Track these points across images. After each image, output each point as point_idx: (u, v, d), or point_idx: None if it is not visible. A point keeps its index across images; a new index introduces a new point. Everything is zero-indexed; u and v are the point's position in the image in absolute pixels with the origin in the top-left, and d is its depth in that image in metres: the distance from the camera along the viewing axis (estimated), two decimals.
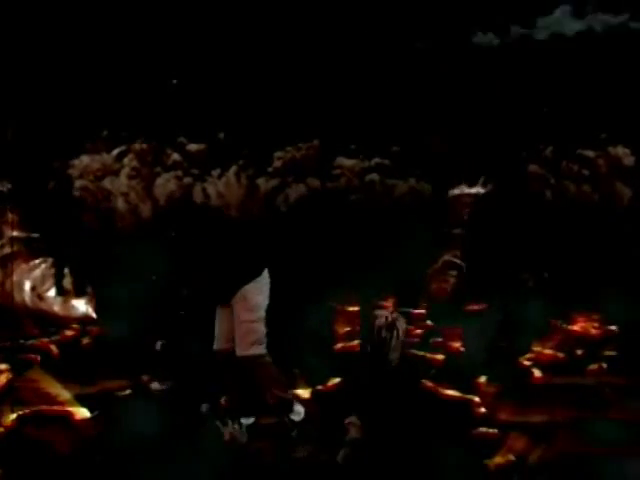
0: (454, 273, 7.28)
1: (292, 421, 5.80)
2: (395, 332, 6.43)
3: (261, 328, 5.64)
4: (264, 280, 5.73)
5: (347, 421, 5.83)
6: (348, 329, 7.15)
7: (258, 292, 5.68)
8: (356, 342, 6.98)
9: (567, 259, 7.25)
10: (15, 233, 7.07)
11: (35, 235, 7.18)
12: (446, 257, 7.31)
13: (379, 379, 6.31)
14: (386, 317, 6.47)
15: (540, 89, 7.79)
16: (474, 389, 6.50)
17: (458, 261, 7.38)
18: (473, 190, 7.59)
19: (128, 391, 6.30)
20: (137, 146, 7.74)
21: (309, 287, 7.16)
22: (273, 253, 5.96)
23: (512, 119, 7.71)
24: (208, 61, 7.80)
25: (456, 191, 7.61)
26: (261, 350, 5.64)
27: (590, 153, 7.83)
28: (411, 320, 7.10)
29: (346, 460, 5.53)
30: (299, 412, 5.84)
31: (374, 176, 7.78)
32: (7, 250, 7.08)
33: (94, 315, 7.04)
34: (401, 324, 6.51)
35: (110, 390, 6.32)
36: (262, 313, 5.67)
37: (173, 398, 6.07)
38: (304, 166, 7.84)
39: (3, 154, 7.36)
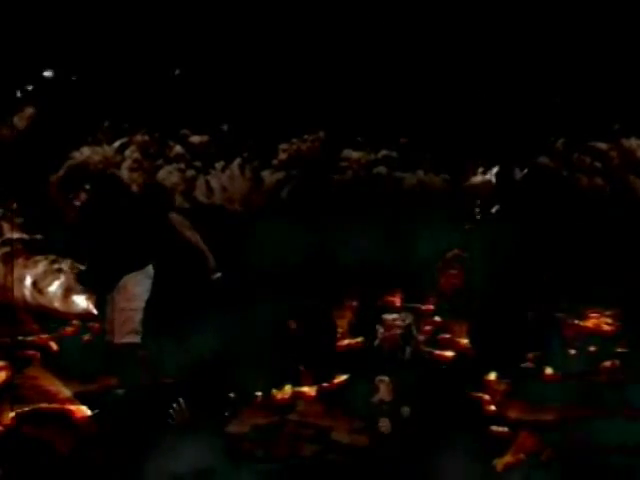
0: (463, 267, 7.17)
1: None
2: (411, 339, 6.40)
3: (137, 318, 6.00)
4: (146, 274, 6.08)
5: (378, 379, 5.82)
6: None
7: (138, 283, 6.05)
8: (361, 339, 6.90)
9: (578, 253, 7.15)
10: (16, 235, 7.03)
11: (38, 236, 7.13)
12: (455, 251, 7.20)
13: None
14: (400, 323, 6.40)
15: (551, 79, 7.69)
16: (484, 387, 6.45)
17: (465, 254, 7.27)
18: (487, 181, 7.49)
19: None
20: (139, 138, 7.66)
21: (312, 284, 7.06)
22: (160, 251, 6.23)
23: (522, 110, 7.61)
24: (211, 51, 7.71)
25: (470, 182, 7.51)
26: (136, 339, 6.01)
27: (602, 145, 7.72)
28: (419, 316, 7.00)
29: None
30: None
31: (381, 169, 7.68)
32: (7, 248, 7.01)
33: (95, 311, 6.96)
34: (414, 328, 6.47)
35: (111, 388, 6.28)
36: (140, 304, 6.02)
37: None
38: (310, 158, 7.76)
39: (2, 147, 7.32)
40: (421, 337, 6.69)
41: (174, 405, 5.91)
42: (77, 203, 6.57)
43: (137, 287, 6.11)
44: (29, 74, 7.62)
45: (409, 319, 6.45)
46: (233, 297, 6.87)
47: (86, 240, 6.43)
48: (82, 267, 6.44)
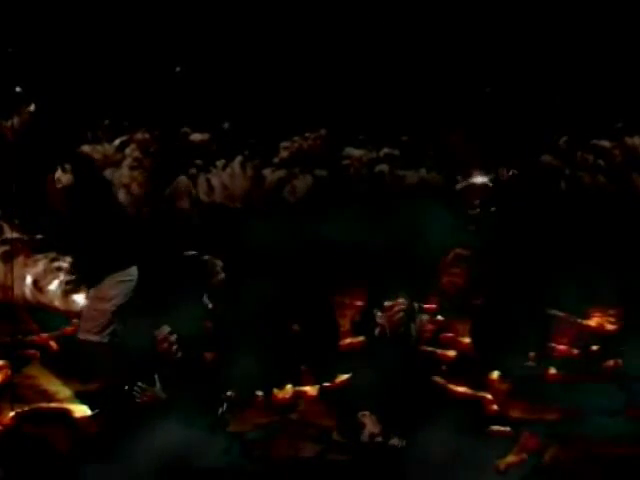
0: (466, 266, 7.11)
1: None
2: (416, 315, 6.39)
3: (103, 320, 6.07)
4: (125, 277, 6.15)
5: (361, 414, 5.82)
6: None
7: (114, 286, 6.11)
8: (362, 338, 6.85)
9: (581, 252, 7.11)
10: (16, 235, 7.01)
11: (39, 237, 7.11)
12: (457, 250, 7.15)
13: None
14: (402, 300, 6.40)
15: (553, 77, 7.66)
16: (486, 386, 6.41)
17: (469, 253, 7.23)
18: (486, 181, 7.45)
19: None
20: (139, 136, 7.64)
21: (316, 281, 7.02)
22: (142, 255, 6.30)
23: (525, 109, 7.58)
24: (212, 48, 7.69)
25: (468, 182, 7.46)
26: (97, 338, 6.08)
27: (606, 143, 7.70)
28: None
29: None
30: None
31: (383, 167, 7.65)
32: (7, 247, 6.97)
33: None
34: (416, 306, 6.47)
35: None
36: (109, 307, 6.08)
37: None
38: (311, 156, 7.73)
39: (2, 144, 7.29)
40: (424, 321, 6.66)
41: (135, 387, 5.97)
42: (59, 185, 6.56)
43: (112, 290, 6.13)
44: (29, 72, 7.58)
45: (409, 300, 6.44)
46: (234, 295, 6.86)
47: (78, 236, 6.44)
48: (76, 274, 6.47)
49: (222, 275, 6.57)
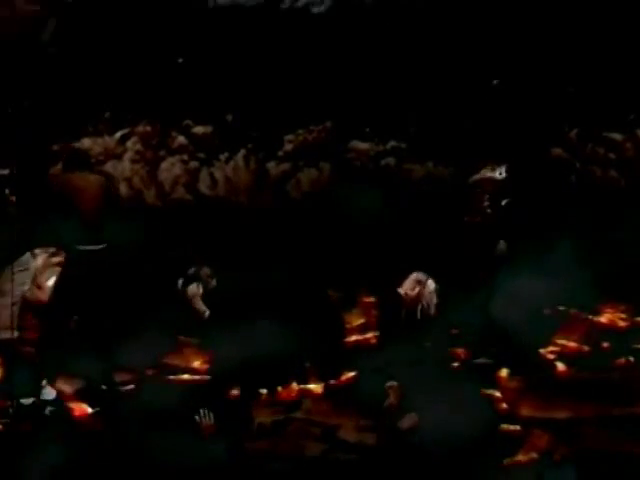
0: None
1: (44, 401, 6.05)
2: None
3: (7, 314, 6.14)
4: (18, 268, 6.25)
5: (388, 385, 5.92)
6: (362, 321, 6.98)
7: (7, 279, 6.19)
8: (370, 335, 6.80)
9: (592, 247, 7.05)
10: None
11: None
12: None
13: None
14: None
15: (565, 68, 7.61)
16: (495, 383, 6.36)
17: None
18: (495, 175, 7.40)
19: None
20: (141, 128, 7.61)
21: (319, 278, 6.95)
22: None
23: (535, 100, 7.54)
24: (215, 40, 7.67)
25: (476, 176, 7.40)
26: (8, 335, 6.13)
27: (617, 136, 7.64)
28: None
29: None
30: (50, 393, 6.08)
31: (390, 160, 7.61)
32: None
33: None
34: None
35: None
36: (9, 300, 6.17)
37: None
38: (316, 150, 7.70)
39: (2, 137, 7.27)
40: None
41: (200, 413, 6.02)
42: None
43: (6, 284, 6.18)
44: (29, 64, 7.57)
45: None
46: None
47: None
48: None
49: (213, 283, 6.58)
